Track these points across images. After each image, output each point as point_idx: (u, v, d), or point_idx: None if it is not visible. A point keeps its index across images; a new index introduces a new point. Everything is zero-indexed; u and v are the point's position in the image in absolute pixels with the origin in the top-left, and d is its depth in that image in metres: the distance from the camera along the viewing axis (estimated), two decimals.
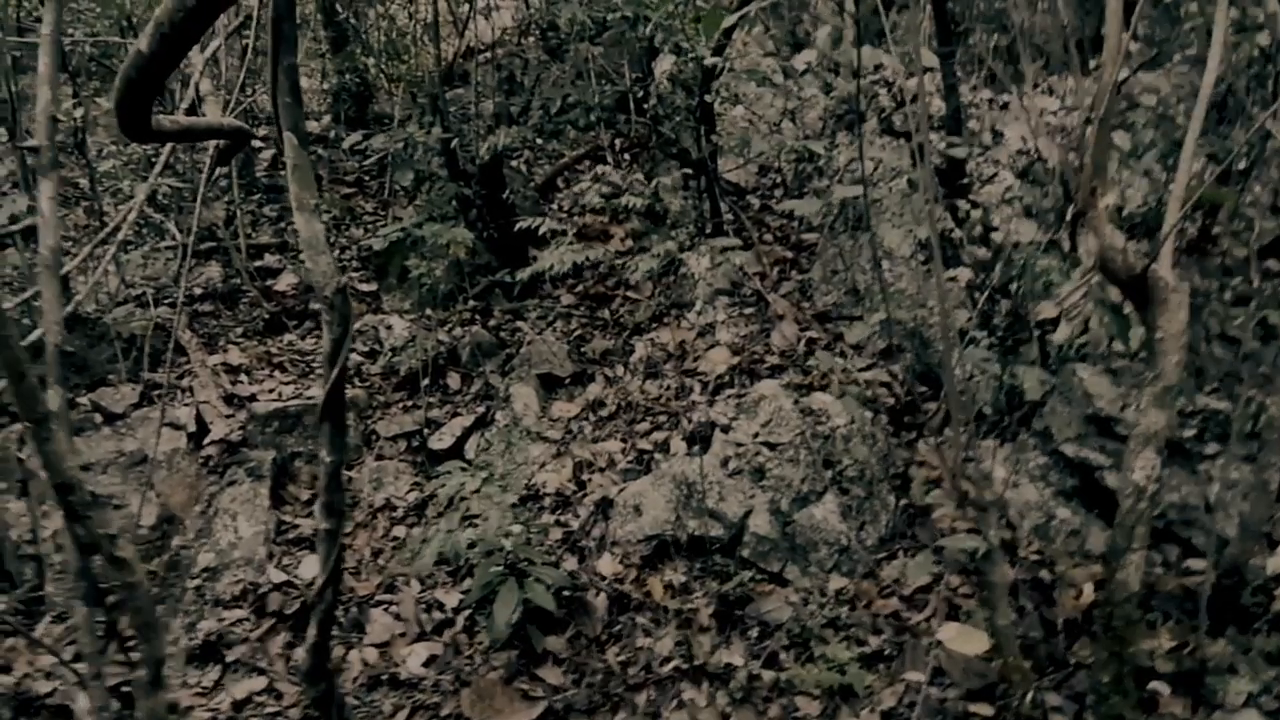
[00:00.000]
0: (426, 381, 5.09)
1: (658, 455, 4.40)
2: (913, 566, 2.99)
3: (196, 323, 6.11)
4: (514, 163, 7.61)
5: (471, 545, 3.41)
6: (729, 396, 4.53)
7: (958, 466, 2.57)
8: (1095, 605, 3.29)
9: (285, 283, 6.84)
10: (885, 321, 4.24)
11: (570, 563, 3.91)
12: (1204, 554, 3.43)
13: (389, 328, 5.65)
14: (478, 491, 3.22)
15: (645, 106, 6.28)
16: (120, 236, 4.21)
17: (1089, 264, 2.39)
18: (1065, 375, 3.90)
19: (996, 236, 4.50)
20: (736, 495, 3.95)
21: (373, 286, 6.81)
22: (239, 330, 6.11)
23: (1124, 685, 2.83)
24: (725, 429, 4.25)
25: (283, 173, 8.45)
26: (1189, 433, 3.75)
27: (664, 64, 6.71)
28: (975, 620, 3.28)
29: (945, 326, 2.81)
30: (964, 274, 4.74)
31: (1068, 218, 2.49)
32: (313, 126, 9.60)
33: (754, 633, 3.52)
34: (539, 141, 7.60)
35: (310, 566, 3.96)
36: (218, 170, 7.98)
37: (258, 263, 6.97)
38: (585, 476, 4.40)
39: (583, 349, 5.37)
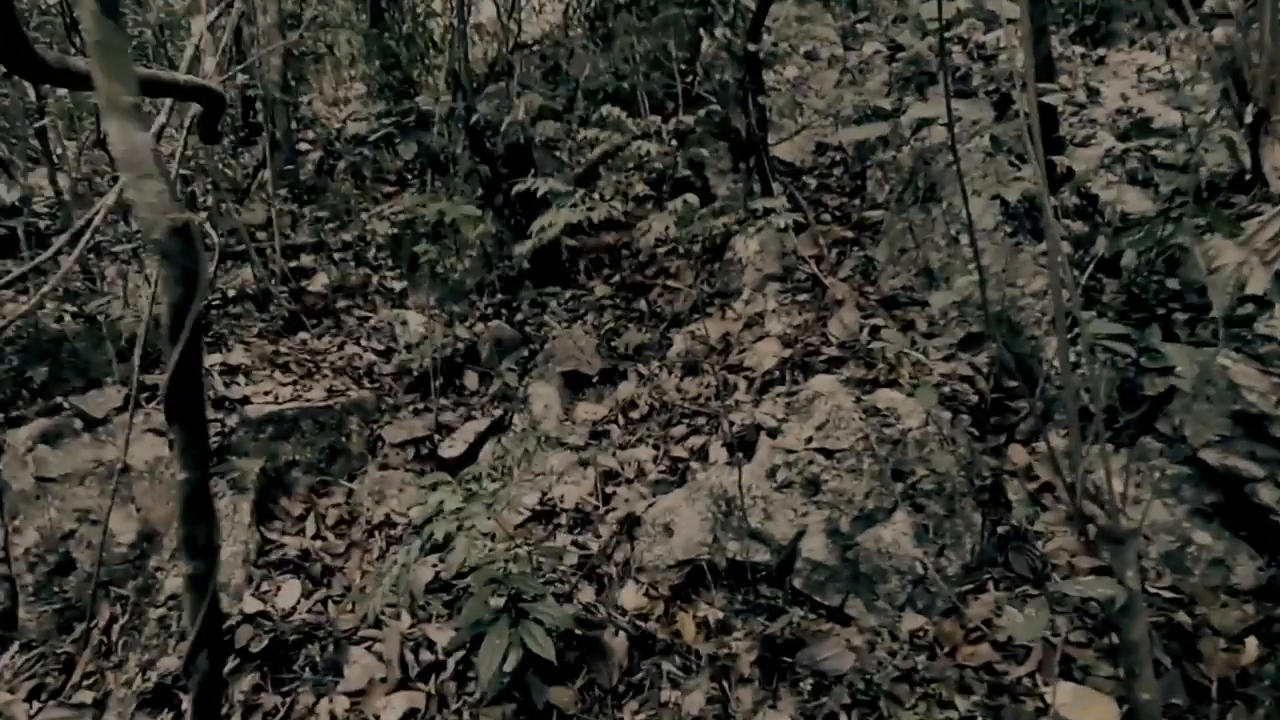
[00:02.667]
0: (439, 381, 4.55)
1: (694, 463, 3.75)
2: (1024, 623, 2.26)
3: (215, 325, 5.74)
4: (557, 153, 7.12)
5: (462, 575, 2.82)
6: (778, 395, 3.85)
7: (1078, 481, 1.86)
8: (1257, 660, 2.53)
9: (319, 284, 6.50)
10: (969, 301, 3.51)
11: (587, 593, 3.28)
12: None
13: (404, 323, 5.15)
14: (457, 512, 2.63)
15: (693, 79, 5.68)
16: (92, 228, 3.77)
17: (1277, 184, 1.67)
18: (1206, 363, 3.10)
19: (1107, 195, 3.71)
20: (785, 512, 3.27)
21: (403, 284, 6.39)
22: (254, 330, 5.72)
23: None
24: (772, 432, 3.58)
25: (335, 174, 8.20)
26: None
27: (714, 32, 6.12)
28: (1096, 679, 2.54)
29: (1057, 302, 2.11)
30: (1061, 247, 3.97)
31: (1246, 121, 1.76)
32: (358, 128, 9.34)
33: (807, 686, 2.83)
34: (581, 132, 7.11)
35: (290, 594, 3.44)
36: (262, 173, 7.71)
37: (294, 263, 6.62)
38: (610, 489, 3.78)
39: (614, 344, 4.76)
